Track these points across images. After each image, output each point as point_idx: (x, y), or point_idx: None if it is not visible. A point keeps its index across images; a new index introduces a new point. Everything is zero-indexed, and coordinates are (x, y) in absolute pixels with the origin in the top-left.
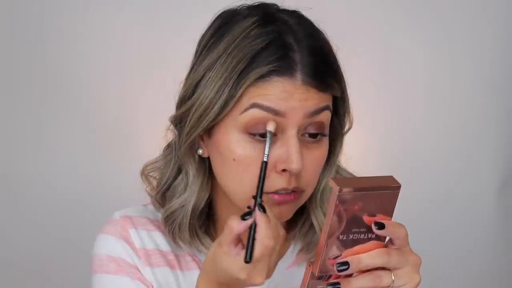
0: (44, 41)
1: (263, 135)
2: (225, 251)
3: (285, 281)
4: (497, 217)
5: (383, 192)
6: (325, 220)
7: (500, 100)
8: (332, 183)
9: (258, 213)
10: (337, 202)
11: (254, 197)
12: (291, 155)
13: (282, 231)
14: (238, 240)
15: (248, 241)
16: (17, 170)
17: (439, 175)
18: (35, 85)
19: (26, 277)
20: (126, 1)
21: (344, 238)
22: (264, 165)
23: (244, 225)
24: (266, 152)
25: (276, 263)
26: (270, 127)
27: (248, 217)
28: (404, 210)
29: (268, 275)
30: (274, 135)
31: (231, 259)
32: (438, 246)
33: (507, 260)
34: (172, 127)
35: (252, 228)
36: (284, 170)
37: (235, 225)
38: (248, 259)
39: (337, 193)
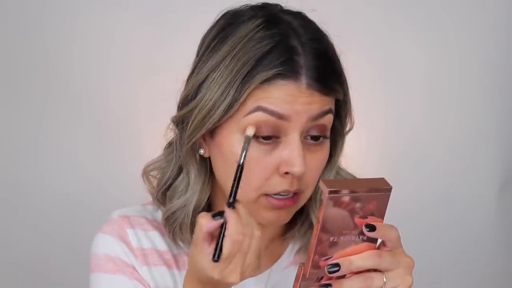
0: (45, 40)
1: (267, 138)
2: (199, 250)
3: (283, 281)
4: (497, 217)
5: (374, 194)
6: (316, 221)
7: (500, 100)
8: (322, 185)
9: (227, 210)
10: (327, 204)
11: (228, 198)
12: (294, 158)
13: (256, 231)
14: (211, 238)
15: (217, 240)
16: (17, 170)
17: (439, 175)
18: (36, 86)
19: (26, 277)
20: (127, 2)
21: (335, 240)
22: (240, 168)
23: (214, 224)
24: (243, 156)
25: (254, 264)
26: (249, 132)
27: (219, 217)
28: (404, 210)
29: (244, 275)
30: (277, 137)
31: (204, 258)
32: (438, 246)
33: (508, 261)
34: (172, 126)
35: (223, 227)
36: (286, 173)
37: (203, 222)
38: (216, 257)
39: (327, 195)
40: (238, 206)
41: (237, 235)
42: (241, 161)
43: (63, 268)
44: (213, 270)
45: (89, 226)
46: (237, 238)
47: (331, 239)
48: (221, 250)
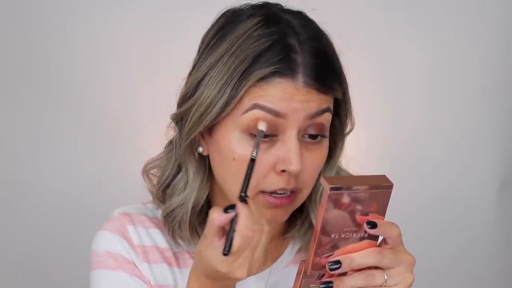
0: (46, 40)
1: (264, 136)
2: (209, 243)
3: (283, 280)
4: (497, 217)
5: (375, 191)
6: (317, 218)
7: (500, 101)
8: (323, 181)
9: (239, 204)
10: (328, 201)
11: (240, 192)
12: (291, 156)
13: (266, 227)
14: (222, 232)
15: (228, 233)
16: (17, 170)
17: (439, 176)
18: (36, 86)
19: (26, 277)
20: (127, 2)
21: (337, 237)
22: (252, 162)
23: (226, 217)
24: (256, 150)
25: (261, 259)
26: (262, 126)
27: (231, 210)
28: (404, 210)
29: (251, 270)
30: (275, 135)
31: (213, 252)
32: (438, 246)
33: (507, 261)
34: (173, 124)
35: (234, 220)
36: (283, 171)
37: (216, 216)
38: (226, 251)
39: (328, 191)
40: (250, 201)
41: (248, 230)
42: (254, 155)
43: (63, 268)
44: (221, 264)
45: (89, 226)
46: (248, 234)
47: (332, 236)
48: (231, 244)
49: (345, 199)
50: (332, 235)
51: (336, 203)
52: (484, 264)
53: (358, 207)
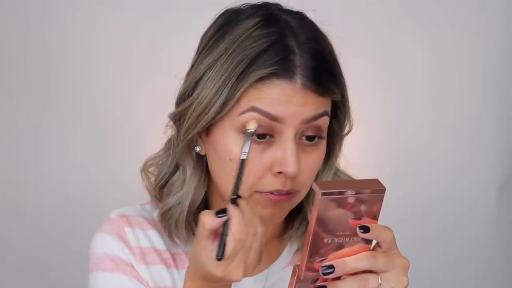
0: (46, 40)
1: (261, 137)
2: (202, 246)
3: (281, 281)
4: (497, 217)
5: (367, 195)
6: (309, 223)
7: (500, 100)
8: (315, 186)
9: (231, 207)
10: (320, 205)
11: (231, 194)
12: (287, 158)
13: (259, 228)
14: (214, 235)
15: (221, 238)
16: (17, 170)
17: (439, 176)
18: (36, 86)
19: (26, 277)
20: (127, 2)
21: (329, 241)
22: (242, 163)
23: (218, 221)
24: (245, 150)
25: (256, 261)
26: (251, 126)
27: (222, 214)
28: (404, 210)
29: (247, 272)
30: (272, 136)
31: (207, 255)
32: (438, 246)
33: (508, 261)
34: (171, 123)
35: (226, 224)
36: (279, 172)
37: (207, 220)
38: (220, 256)
39: (320, 196)
40: (241, 202)
41: (240, 233)
42: (242, 156)
43: (63, 267)
44: (216, 268)
45: (89, 226)
46: (240, 237)
47: (325, 240)
48: (224, 248)
49: (337, 204)
50: (325, 240)
51: (328, 208)
52: (484, 264)
53: (351, 211)
